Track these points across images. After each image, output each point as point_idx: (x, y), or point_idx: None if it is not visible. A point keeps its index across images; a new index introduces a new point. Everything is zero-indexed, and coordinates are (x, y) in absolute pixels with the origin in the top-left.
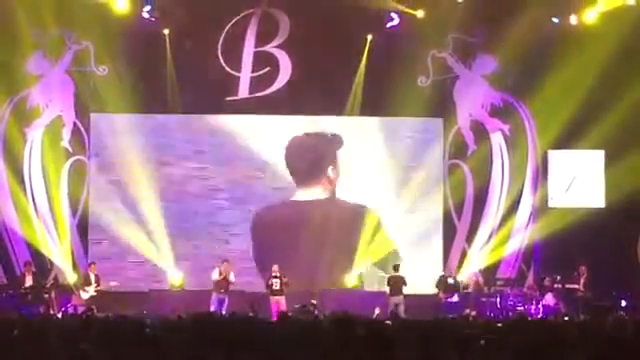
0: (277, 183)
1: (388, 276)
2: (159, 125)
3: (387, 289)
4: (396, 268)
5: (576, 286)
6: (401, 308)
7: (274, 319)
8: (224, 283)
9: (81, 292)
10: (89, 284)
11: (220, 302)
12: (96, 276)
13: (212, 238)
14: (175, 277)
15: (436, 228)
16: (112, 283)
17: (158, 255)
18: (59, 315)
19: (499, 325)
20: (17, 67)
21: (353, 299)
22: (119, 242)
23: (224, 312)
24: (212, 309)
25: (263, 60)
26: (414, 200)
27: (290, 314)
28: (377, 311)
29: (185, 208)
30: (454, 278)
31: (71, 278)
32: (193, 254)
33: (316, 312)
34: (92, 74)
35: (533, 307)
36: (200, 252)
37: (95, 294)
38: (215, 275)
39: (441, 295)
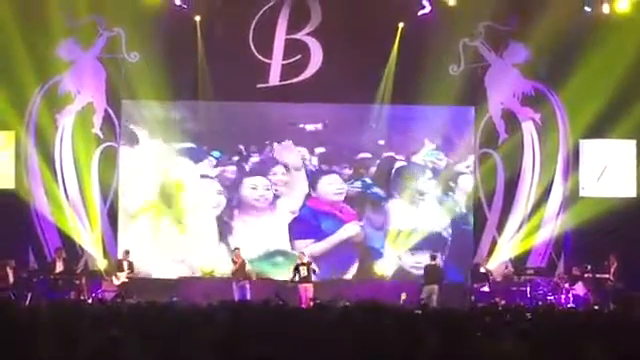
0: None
1: (425, 265)
2: (190, 112)
3: (422, 278)
4: (433, 257)
5: (606, 276)
6: (434, 297)
7: (302, 306)
8: (241, 271)
9: (113, 278)
10: (122, 270)
11: (241, 290)
12: (129, 263)
13: (244, 225)
14: (206, 264)
15: (467, 217)
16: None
17: (188, 242)
18: (89, 301)
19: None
20: (49, 53)
21: (382, 288)
22: (149, 228)
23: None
24: (236, 298)
25: (294, 47)
26: (445, 189)
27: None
28: (403, 296)
29: (217, 195)
30: (485, 267)
31: (101, 264)
32: (224, 241)
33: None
34: (123, 61)
35: (563, 297)
36: (231, 239)
37: (127, 281)
38: (231, 265)
39: (474, 285)
